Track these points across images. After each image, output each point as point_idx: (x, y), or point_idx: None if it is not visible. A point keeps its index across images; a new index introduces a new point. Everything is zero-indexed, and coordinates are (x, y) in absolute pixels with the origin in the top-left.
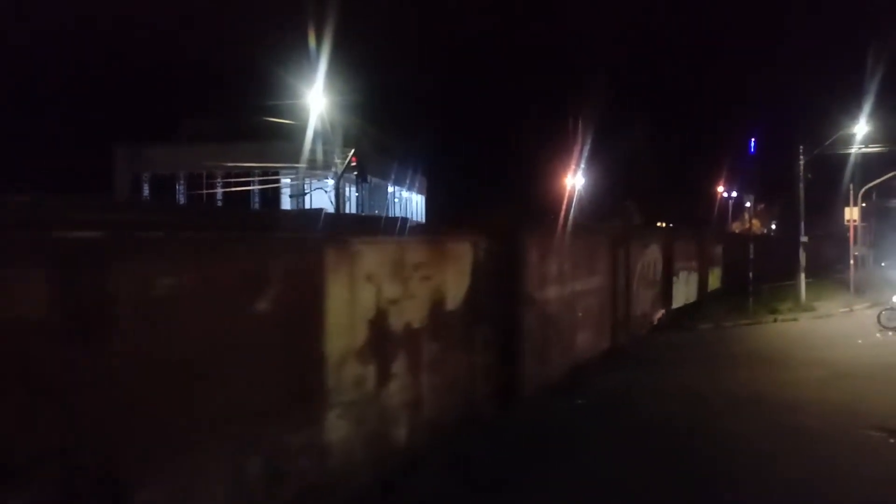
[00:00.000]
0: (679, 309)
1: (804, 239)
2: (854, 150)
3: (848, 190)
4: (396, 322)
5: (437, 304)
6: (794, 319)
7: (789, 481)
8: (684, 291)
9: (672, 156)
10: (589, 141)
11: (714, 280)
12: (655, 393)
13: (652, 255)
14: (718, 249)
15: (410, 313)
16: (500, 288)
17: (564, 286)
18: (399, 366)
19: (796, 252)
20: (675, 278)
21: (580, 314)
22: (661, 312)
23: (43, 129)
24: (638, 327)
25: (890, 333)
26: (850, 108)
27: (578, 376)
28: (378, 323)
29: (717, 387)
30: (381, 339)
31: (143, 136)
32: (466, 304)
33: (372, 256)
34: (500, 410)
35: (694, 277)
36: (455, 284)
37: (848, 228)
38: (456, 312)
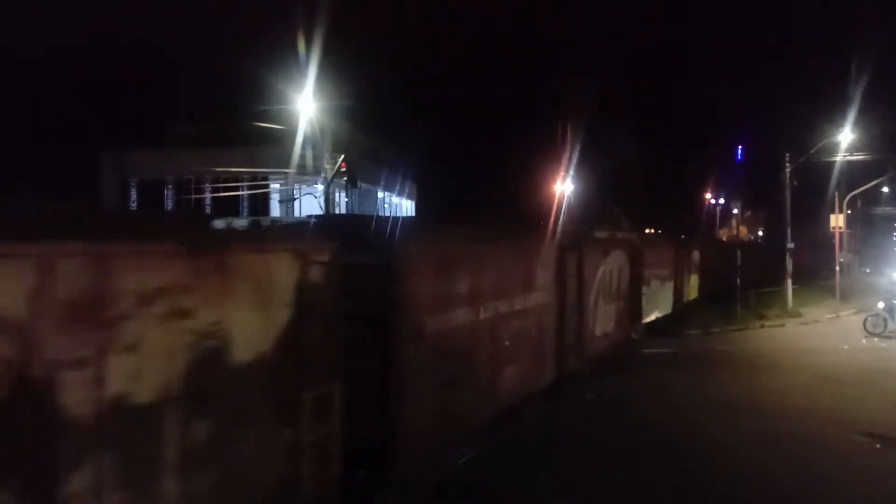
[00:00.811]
0: (652, 323)
1: (790, 245)
2: (839, 157)
3: (833, 197)
4: (86, 397)
5: (209, 356)
6: (782, 325)
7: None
8: (657, 303)
9: (660, 163)
10: (577, 148)
11: (691, 289)
12: (610, 434)
13: (615, 264)
14: (695, 255)
15: (133, 378)
16: (363, 317)
17: (483, 308)
18: (98, 474)
19: (783, 258)
20: (645, 289)
21: (508, 342)
22: (628, 329)
23: (26, 133)
24: (598, 349)
25: (875, 339)
26: (835, 117)
27: (502, 426)
28: (29, 405)
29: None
30: (41, 435)
31: (130, 140)
32: (285, 349)
33: (10, 283)
34: (356, 499)
35: (668, 287)
36: (256, 319)
37: (833, 235)
38: (260, 364)
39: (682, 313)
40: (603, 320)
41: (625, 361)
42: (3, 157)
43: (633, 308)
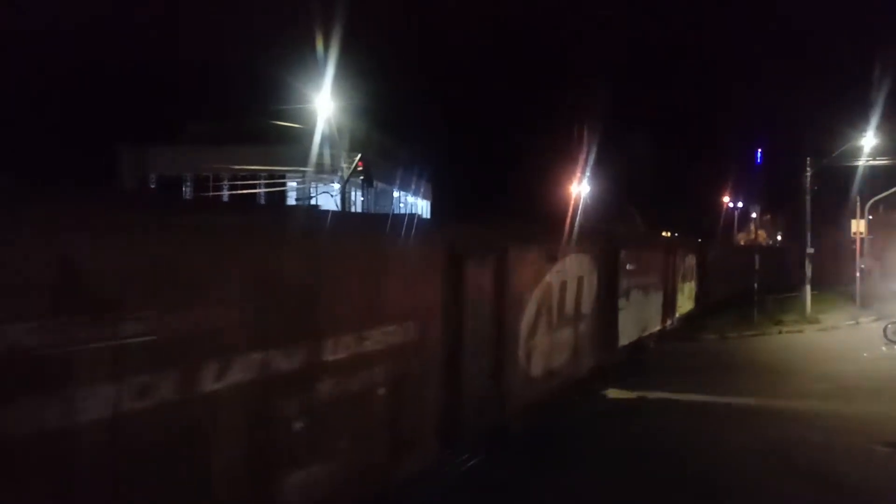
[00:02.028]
0: (630, 346)
1: (810, 250)
2: (861, 162)
3: (855, 202)
4: None
5: None
6: (800, 331)
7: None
8: (640, 320)
9: (678, 166)
10: (594, 149)
11: (685, 300)
12: None
13: (572, 273)
14: (691, 261)
15: None
16: None
17: (222, 367)
18: None
19: (802, 263)
20: (623, 302)
21: (303, 423)
22: (595, 358)
23: (46, 129)
24: (536, 394)
25: None
26: (857, 121)
27: None
28: None
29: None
30: None
31: (149, 137)
32: None
33: None
34: None
35: (655, 299)
36: None
37: (854, 241)
38: None
39: (668, 333)
40: (547, 353)
41: (578, 408)
42: (22, 153)
43: (604, 330)
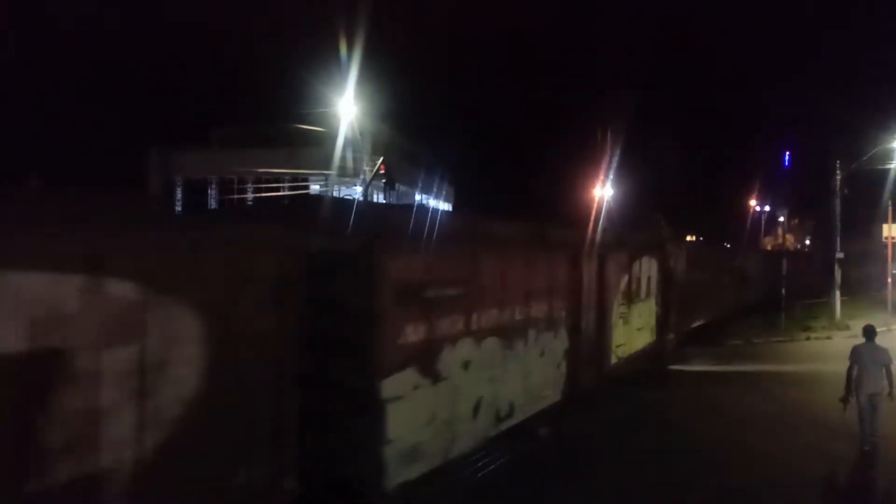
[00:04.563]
0: (440, 471)
1: (840, 255)
2: (893, 165)
3: (887, 206)
4: None
5: None
6: (828, 338)
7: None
8: (485, 402)
9: (704, 168)
10: (618, 152)
11: (633, 333)
12: None
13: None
14: (648, 269)
15: None
16: None
17: None
18: None
19: (831, 269)
20: (406, 379)
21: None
22: None
23: (74, 132)
24: None
25: None
26: (888, 123)
27: None
28: None
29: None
30: None
31: (176, 140)
32: None
33: None
34: None
35: (547, 347)
36: None
37: (886, 245)
38: None
39: (599, 392)
40: None
41: None
42: (52, 155)
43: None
